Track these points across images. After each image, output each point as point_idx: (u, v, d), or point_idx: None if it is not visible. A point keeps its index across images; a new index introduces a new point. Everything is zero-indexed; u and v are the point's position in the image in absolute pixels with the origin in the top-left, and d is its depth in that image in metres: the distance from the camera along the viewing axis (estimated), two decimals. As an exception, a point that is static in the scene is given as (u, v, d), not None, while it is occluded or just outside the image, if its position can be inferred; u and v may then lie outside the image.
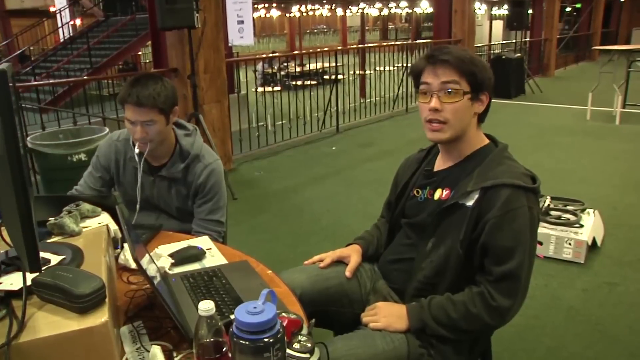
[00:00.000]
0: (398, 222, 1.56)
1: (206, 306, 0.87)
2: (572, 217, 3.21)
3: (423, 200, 1.46)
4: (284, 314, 1.02)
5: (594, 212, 3.33)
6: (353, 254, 1.56)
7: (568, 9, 16.78)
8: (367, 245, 1.61)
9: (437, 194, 1.42)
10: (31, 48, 12.61)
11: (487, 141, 1.42)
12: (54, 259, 1.13)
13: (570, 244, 3.01)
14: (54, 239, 1.30)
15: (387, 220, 1.63)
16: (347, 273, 1.52)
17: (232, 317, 0.84)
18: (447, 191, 1.39)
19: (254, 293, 1.14)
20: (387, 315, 1.35)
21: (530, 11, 11.75)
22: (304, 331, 1.01)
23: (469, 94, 1.32)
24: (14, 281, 1.01)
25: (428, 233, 1.39)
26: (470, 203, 1.30)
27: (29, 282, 0.96)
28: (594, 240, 3.11)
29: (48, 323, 0.91)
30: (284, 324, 0.96)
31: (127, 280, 1.34)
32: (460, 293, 1.32)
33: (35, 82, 7.37)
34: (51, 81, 8.28)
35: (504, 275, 1.26)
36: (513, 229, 1.26)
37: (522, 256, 1.26)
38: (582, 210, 3.32)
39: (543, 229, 3.06)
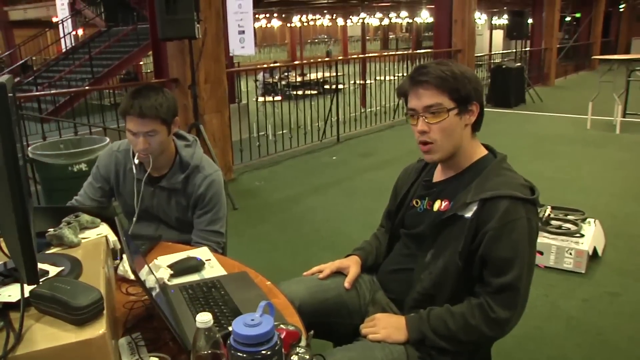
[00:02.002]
0: (397, 232, 1.56)
1: (204, 318, 0.87)
2: (572, 227, 3.20)
3: (422, 211, 1.46)
4: (282, 325, 1.01)
5: (594, 221, 3.32)
6: (352, 265, 1.56)
7: (568, 19, 16.85)
8: (366, 256, 1.61)
9: (436, 205, 1.42)
10: (33, 58, 12.68)
11: (485, 152, 1.42)
12: (53, 270, 1.13)
13: (570, 253, 3.00)
14: (53, 250, 1.30)
15: (387, 230, 1.63)
16: (346, 284, 1.52)
17: (230, 328, 0.84)
18: (446, 202, 1.40)
19: (252, 304, 1.13)
20: (386, 326, 1.35)
21: (530, 21, 11.81)
22: (303, 343, 1.00)
23: (455, 109, 1.33)
24: (11, 293, 1.01)
25: (427, 244, 1.39)
26: (469, 215, 1.30)
27: (26, 294, 0.96)
28: (594, 250, 3.10)
29: (45, 335, 0.91)
30: (282, 335, 0.96)
31: (126, 291, 1.34)
32: (459, 304, 1.32)
33: (37, 92, 7.39)
34: (53, 91, 8.31)
35: (503, 286, 1.26)
36: (512, 240, 1.26)
37: (521, 267, 1.26)
38: (583, 220, 3.31)
39: (543, 239, 3.06)
